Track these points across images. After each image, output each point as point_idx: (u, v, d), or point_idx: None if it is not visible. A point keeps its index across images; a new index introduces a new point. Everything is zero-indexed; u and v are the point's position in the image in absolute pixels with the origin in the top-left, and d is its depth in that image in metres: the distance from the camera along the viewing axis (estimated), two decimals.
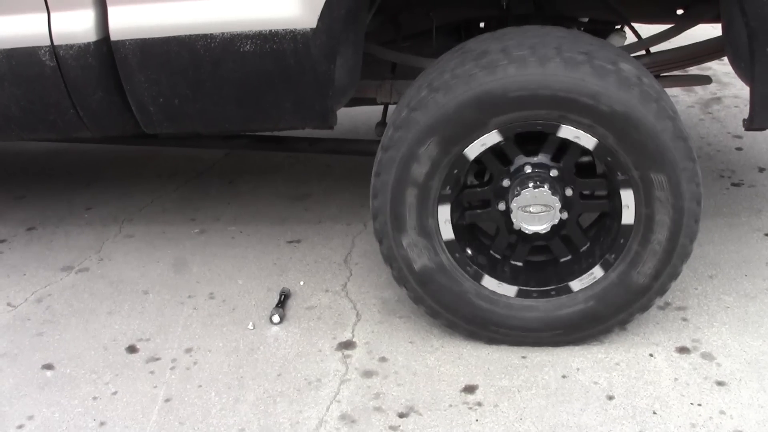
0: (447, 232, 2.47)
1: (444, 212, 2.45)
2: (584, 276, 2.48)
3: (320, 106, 2.52)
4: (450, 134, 2.32)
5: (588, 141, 2.31)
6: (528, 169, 2.44)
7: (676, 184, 2.31)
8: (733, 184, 3.56)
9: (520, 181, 2.43)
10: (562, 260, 2.57)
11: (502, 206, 2.49)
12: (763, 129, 2.56)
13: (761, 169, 3.68)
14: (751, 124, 2.49)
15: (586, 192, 2.52)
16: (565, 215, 2.46)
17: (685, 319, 2.69)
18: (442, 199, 2.43)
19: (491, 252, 2.60)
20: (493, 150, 2.40)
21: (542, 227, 2.45)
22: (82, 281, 3.14)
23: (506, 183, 2.45)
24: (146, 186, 3.89)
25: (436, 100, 2.30)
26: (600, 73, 2.23)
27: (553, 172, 2.43)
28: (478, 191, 2.53)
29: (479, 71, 2.27)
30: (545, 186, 2.41)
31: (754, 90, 2.42)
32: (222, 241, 3.37)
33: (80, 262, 3.27)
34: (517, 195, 2.41)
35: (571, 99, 2.23)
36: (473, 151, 2.36)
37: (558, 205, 2.41)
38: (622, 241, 2.42)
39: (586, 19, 3.44)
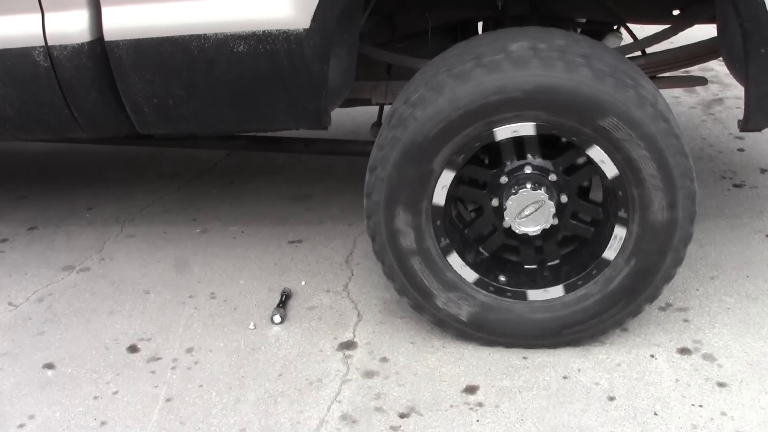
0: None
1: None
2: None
3: (314, 106, 2.51)
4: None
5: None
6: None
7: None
8: (735, 186, 3.56)
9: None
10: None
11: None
12: (758, 130, 2.56)
13: (763, 171, 3.68)
14: (745, 125, 2.49)
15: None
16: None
17: (686, 320, 2.69)
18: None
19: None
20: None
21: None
22: (84, 281, 3.15)
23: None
24: (148, 186, 3.89)
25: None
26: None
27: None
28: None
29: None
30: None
31: (748, 91, 2.41)
32: (223, 241, 3.37)
33: (81, 262, 3.28)
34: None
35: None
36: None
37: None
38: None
39: (584, 20, 3.43)
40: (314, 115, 2.54)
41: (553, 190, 2.43)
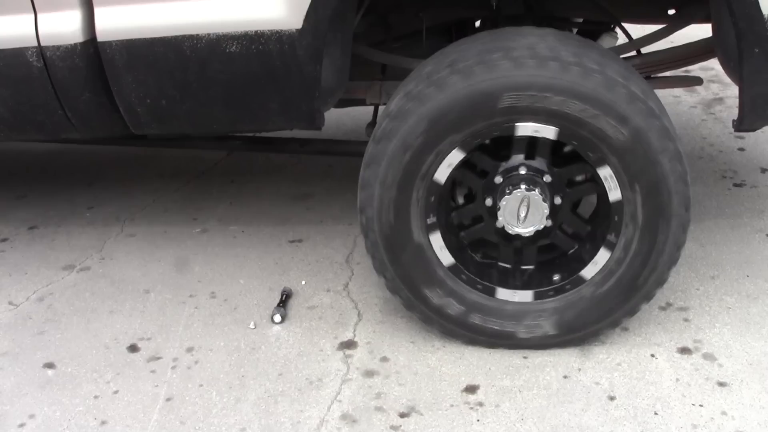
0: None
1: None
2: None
3: (307, 107, 2.51)
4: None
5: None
6: None
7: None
8: (735, 185, 3.56)
9: None
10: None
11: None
12: (752, 130, 2.55)
13: (763, 170, 3.68)
14: (740, 125, 2.48)
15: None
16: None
17: (686, 320, 2.69)
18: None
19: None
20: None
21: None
22: (84, 280, 3.15)
23: None
24: (148, 185, 3.89)
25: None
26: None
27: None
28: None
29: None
30: None
31: (742, 90, 2.40)
32: (224, 241, 3.37)
33: (82, 261, 3.28)
34: None
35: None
36: None
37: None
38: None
39: (580, 20, 3.42)
40: (307, 115, 2.54)
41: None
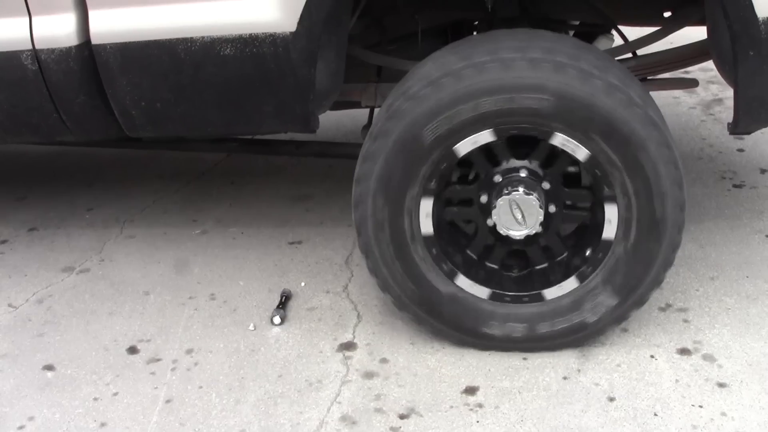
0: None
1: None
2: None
3: (301, 110, 2.50)
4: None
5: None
6: None
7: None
8: (735, 186, 3.56)
9: None
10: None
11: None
12: (747, 133, 2.54)
13: (763, 171, 3.68)
14: (735, 128, 2.46)
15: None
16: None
17: (686, 321, 2.69)
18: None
19: None
20: None
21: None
22: (83, 282, 3.15)
23: None
24: (148, 187, 3.89)
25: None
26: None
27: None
28: None
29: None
30: None
31: (737, 93, 2.38)
32: (223, 242, 3.37)
33: (81, 263, 3.28)
34: None
35: None
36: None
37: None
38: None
39: (577, 22, 3.42)
40: (302, 118, 2.53)
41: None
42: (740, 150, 3.88)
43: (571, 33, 3.39)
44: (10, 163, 4.32)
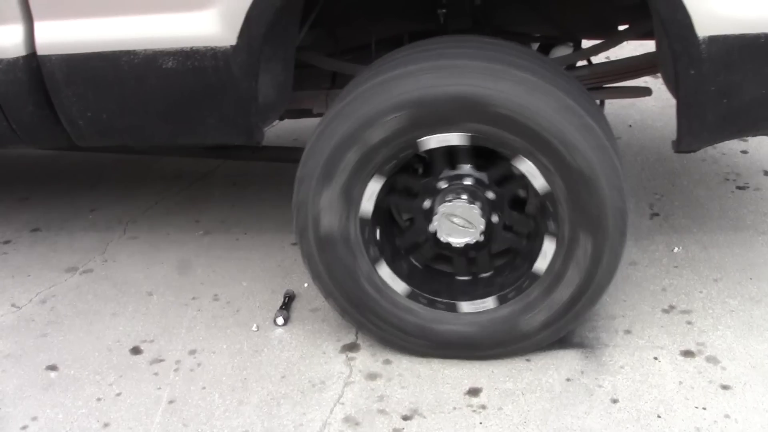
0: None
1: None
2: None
3: (244, 122, 2.50)
4: None
5: None
6: None
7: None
8: (738, 188, 3.56)
9: None
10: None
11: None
12: (691, 151, 2.47)
13: (767, 173, 3.67)
14: (678, 146, 2.41)
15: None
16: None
17: (689, 323, 2.69)
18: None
19: None
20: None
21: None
22: (86, 282, 3.15)
23: None
24: (150, 188, 3.89)
25: None
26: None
27: None
28: None
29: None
30: None
31: (679, 111, 2.33)
32: (226, 243, 3.37)
33: (84, 264, 3.28)
34: None
35: None
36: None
37: None
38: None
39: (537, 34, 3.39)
40: (245, 130, 2.53)
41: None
42: (744, 152, 3.88)
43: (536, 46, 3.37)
44: (12, 163, 4.33)
